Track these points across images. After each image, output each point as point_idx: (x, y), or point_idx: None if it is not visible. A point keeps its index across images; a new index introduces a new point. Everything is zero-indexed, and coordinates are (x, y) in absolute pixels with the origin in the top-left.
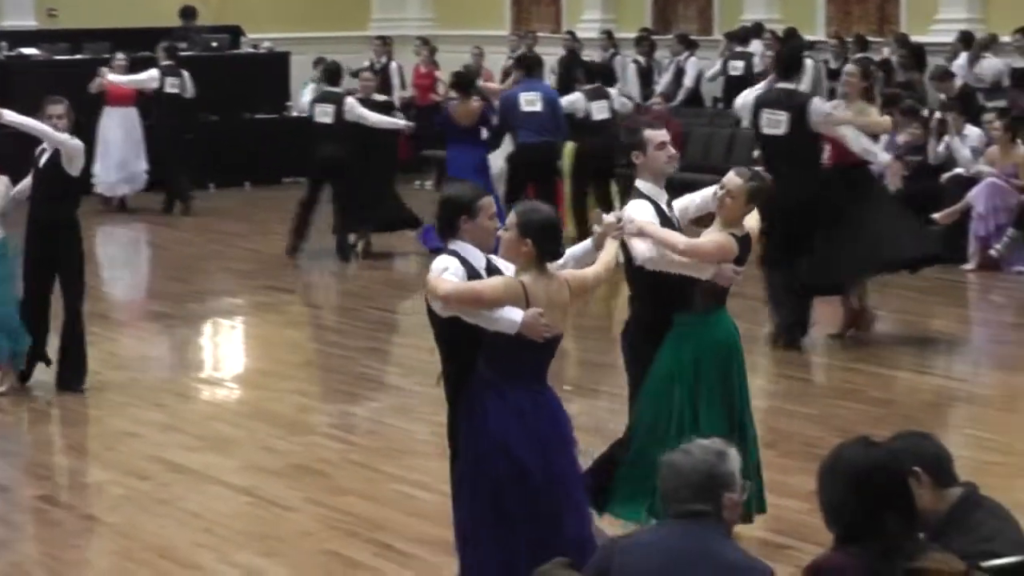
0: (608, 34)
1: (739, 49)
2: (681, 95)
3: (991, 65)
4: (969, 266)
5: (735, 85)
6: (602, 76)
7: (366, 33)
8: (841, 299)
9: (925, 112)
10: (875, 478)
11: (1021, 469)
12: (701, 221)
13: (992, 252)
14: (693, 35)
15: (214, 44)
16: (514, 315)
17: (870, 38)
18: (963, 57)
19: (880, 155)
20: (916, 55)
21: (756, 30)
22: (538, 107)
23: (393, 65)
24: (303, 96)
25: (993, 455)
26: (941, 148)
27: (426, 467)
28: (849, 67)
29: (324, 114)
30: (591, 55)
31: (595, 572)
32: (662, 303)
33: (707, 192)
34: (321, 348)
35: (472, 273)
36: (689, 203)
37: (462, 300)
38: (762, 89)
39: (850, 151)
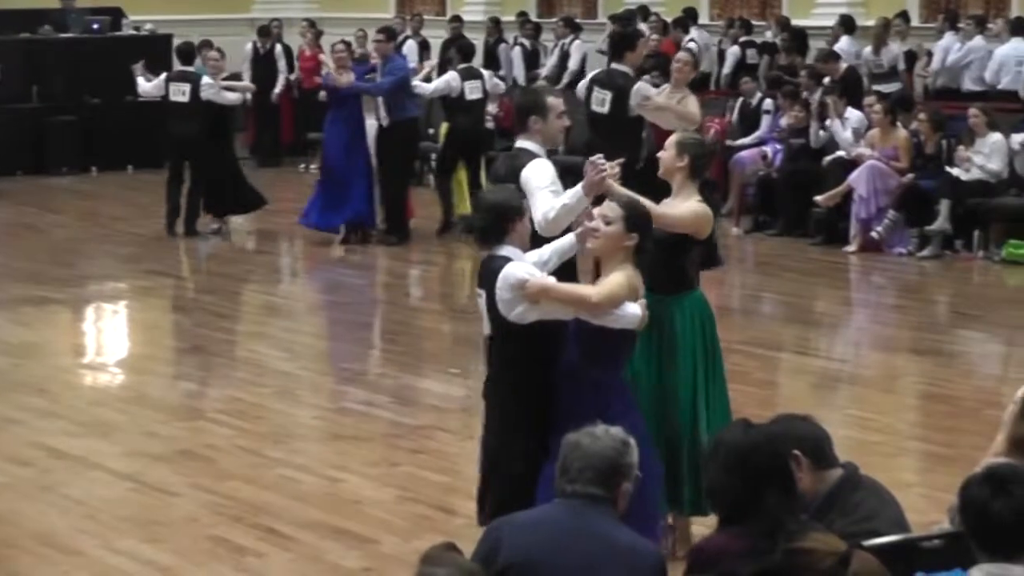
0: (495, 21)
1: None
2: (566, 78)
3: (889, 51)
4: (851, 248)
5: None
6: (472, 56)
7: (250, 16)
8: None
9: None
10: (754, 459)
11: (901, 448)
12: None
13: (873, 234)
14: (578, 18)
15: (95, 26)
16: (636, 309)
17: (753, 21)
18: (844, 41)
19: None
20: (798, 39)
21: (641, 13)
22: None
23: (278, 48)
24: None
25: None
26: (823, 131)
27: (310, 451)
28: (681, 54)
29: (179, 92)
30: (476, 39)
31: (485, 552)
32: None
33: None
34: (205, 332)
35: None
36: None
37: (612, 304)
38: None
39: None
